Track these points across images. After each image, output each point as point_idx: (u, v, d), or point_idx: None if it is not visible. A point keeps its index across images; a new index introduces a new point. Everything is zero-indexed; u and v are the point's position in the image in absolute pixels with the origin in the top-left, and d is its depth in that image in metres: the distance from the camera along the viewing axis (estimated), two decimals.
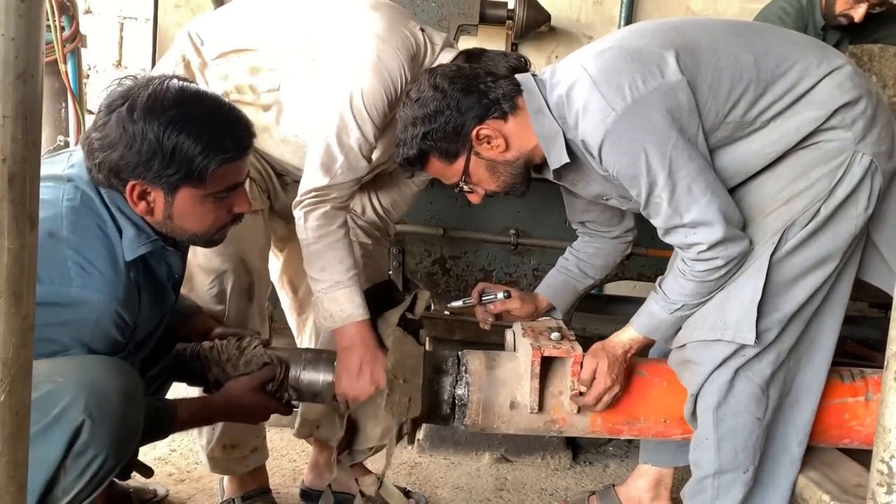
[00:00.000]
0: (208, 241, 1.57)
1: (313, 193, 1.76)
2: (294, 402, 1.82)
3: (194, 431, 2.16)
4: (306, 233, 1.77)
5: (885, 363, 0.92)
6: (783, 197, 1.60)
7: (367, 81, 1.73)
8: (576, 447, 2.69)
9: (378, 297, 2.03)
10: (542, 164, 1.72)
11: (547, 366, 1.72)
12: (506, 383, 1.75)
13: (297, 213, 1.78)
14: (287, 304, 2.28)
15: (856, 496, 1.58)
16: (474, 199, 1.77)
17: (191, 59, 1.84)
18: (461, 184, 1.71)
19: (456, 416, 1.76)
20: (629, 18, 4.09)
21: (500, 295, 1.93)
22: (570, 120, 1.55)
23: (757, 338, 1.57)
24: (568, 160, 1.60)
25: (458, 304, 2.00)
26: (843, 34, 3.26)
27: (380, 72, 1.73)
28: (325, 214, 1.77)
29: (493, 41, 4.15)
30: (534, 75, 1.68)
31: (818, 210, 1.58)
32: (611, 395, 1.69)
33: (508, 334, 1.96)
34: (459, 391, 1.74)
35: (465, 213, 2.78)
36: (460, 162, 1.67)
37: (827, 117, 1.55)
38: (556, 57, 4.24)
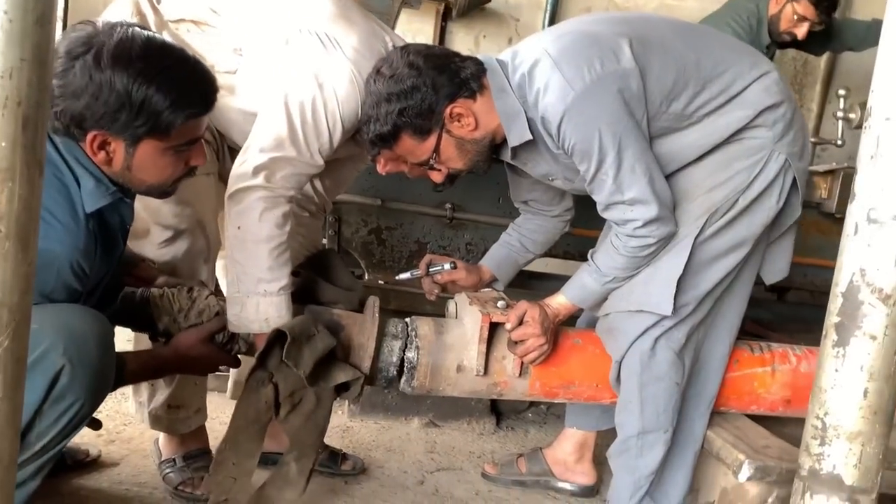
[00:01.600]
0: (162, 193, 1.57)
1: (262, 178, 1.67)
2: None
3: (126, 390, 2.14)
4: (260, 228, 1.68)
5: (824, 332, 1.06)
6: (706, 186, 1.75)
7: (343, 93, 1.70)
8: (498, 413, 2.82)
9: (318, 266, 2.06)
10: (499, 145, 1.79)
11: (492, 332, 1.82)
12: (453, 348, 1.83)
13: (249, 205, 1.68)
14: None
15: (765, 455, 1.77)
16: (438, 177, 1.82)
17: (147, 14, 1.78)
18: (430, 162, 1.75)
19: (404, 378, 1.83)
20: (556, 2, 4.22)
21: (447, 266, 2.01)
22: (531, 98, 1.63)
23: (675, 311, 1.74)
24: (531, 137, 1.69)
25: (406, 275, 2.05)
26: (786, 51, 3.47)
27: (356, 88, 1.71)
28: (286, 215, 1.72)
29: (423, 19, 4.19)
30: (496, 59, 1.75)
31: (737, 200, 1.74)
32: (540, 351, 1.79)
33: (451, 304, 2.04)
34: (409, 354, 1.81)
35: (402, 185, 2.82)
36: (431, 140, 1.71)
37: (754, 116, 1.71)
38: (485, 37, 4.33)
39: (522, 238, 2.11)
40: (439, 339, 1.84)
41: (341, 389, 1.74)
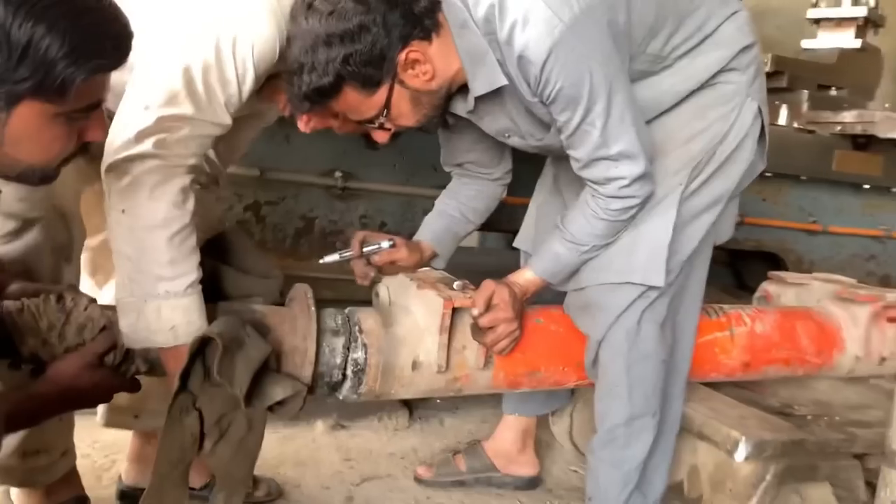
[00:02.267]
0: (43, 178, 1.12)
1: (151, 144, 1.27)
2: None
3: None
4: (152, 209, 1.28)
5: None
6: (682, 137, 1.56)
7: (261, 26, 1.31)
8: (408, 403, 2.53)
9: (221, 251, 1.65)
10: (453, 95, 1.48)
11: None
12: (406, 341, 1.51)
13: (135, 180, 1.28)
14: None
15: (756, 429, 1.64)
16: (383, 137, 1.48)
17: None
18: (380, 120, 1.41)
19: (348, 384, 1.48)
20: None
21: (385, 244, 1.67)
22: (503, 33, 1.33)
23: None
24: (505, 82, 1.39)
25: (335, 257, 1.67)
26: None
27: (276, 17, 1.32)
28: (184, 190, 1.32)
29: None
30: None
31: (715, 152, 1.57)
32: (511, 337, 1.53)
33: (381, 289, 1.70)
34: (356, 355, 1.46)
35: (283, 151, 2.42)
36: (381, 93, 1.36)
37: (732, 57, 1.54)
38: None
39: (461, 206, 1.81)
40: (388, 332, 1.51)
41: (275, 406, 1.36)
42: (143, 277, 1.29)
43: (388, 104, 1.38)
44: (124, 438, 1.88)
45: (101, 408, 1.86)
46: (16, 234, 1.35)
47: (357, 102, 1.38)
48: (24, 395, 1.18)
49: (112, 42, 1.02)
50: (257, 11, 1.31)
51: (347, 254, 1.67)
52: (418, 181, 2.56)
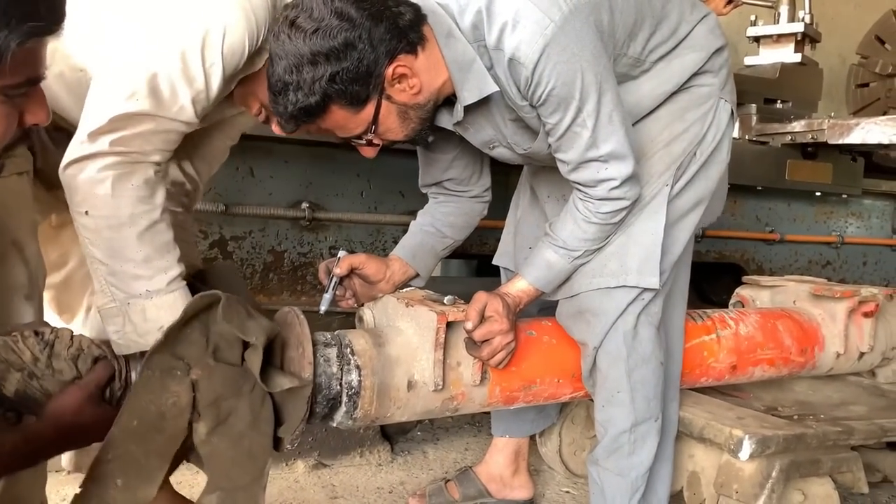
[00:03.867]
0: None
1: (105, 142, 1.24)
2: None
3: None
4: (116, 209, 1.25)
5: None
6: (663, 140, 1.57)
7: (231, 20, 1.28)
8: (389, 437, 2.45)
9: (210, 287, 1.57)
10: (438, 108, 1.46)
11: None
12: (400, 361, 1.45)
13: (92, 178, 1.25)
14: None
15: (747, 426, 1.63)
16: (370, 152, 1.45)
17: None
18: (368, 136, 1.38)
19: (342, 409, 1.41)
20: None
21: (341, 252, 1.62)
22: (492, 38, 1.31)
23: None
24: (496, 88, 1.37)
25: (328, 296, 1.59)
26: None
27: (246, 13, 1.29)
28: (149, 182, 1.29)
29: None
30: None
31: (695, 153, 1.58)
32: (508, 350, 1.48)
33: (365, 311, 1.65)
34: (350, 377, 1.40)
35: (247, 185, 2.37)
36: (369, 109, 1.33)
37: (706, 60, 1.57)
38: None
39: (436, 221, 1.76)
40: (381, 352, 1.45)
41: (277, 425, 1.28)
42: (118, 280, 1.26)
43: (375, 120, 1.35)
44: None
45: (65, 455, 1.74)
46: None
47: (344, 120, 1.35)
48: (20, 437, 1.07)
49: (44, 3, 0.94)
50: (225, 6, 1.28)
51: (331, 285, 1.60)
52: (386, 208, 2.53)
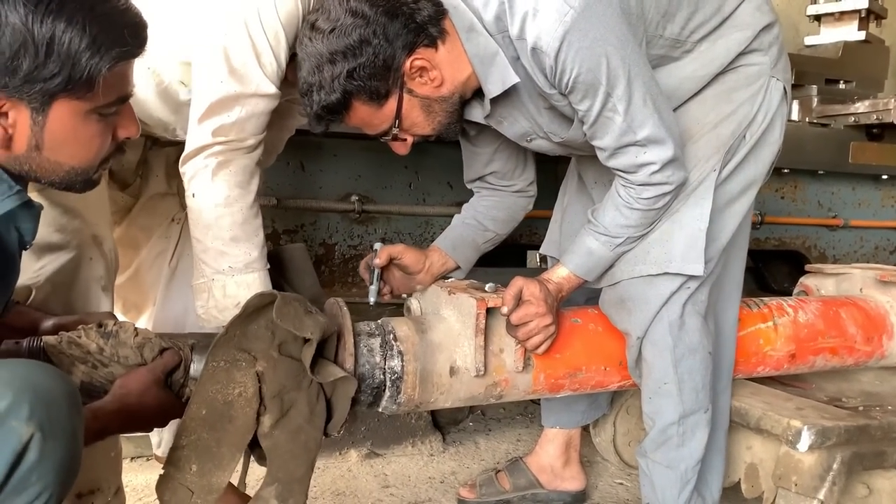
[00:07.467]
0: (86, 182, 1.12)
1: (209, 131, 1.39)
2: None
3: None
4: (215, 192, 1.40)
5: None
6: (710, 122, 1.52)
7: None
8: (441, 428, 2.46)
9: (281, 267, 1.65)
10: (469, 101, 1.46)
11: (486, 321, 1.46)
12: (442, 347, 1.46)
13: (199, 165, 1.41)
14: None
15: (806, 416, 1.57)
16: (402, 149, 1.47)
17: None
18: (393, 131, 1.40)
19: (387, 394, 1.42)
20: None
21: (377, 244, 1.64)
22: (515, 28, 1.30)
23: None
24: (517, 79, 1.36)
25: (374, 287, 1.63)
26: None
27: None
28: (246, 169, 1.43)
29: None
30: None
31: (745, 135, 1.53)
32: (545, 333, 1.46)
33: (413, 302, 1.65)
34: (392, 363, 1.41)
35: (298, 179, 2.40)
36: (391, 103, 1.36)
37: (753, 38, 1.51)
38: None
39: (478, 214, 1.76)
40: (424, 338, 1.45)
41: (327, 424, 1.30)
42: (208, 256, 1.39)
43: (398, 114, 1.37)
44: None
45: (163, 437, 1.79)
46: (54, 264, 1.35)
47: (368, 115, 1.38)
48: (89, 412, 1.12)
49: (129, 30, 1.03)
50: None
51: (374, 276, 1.62)
52: (434, 200, 2.53)
